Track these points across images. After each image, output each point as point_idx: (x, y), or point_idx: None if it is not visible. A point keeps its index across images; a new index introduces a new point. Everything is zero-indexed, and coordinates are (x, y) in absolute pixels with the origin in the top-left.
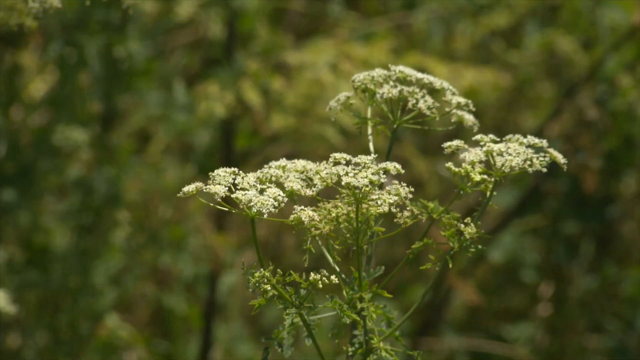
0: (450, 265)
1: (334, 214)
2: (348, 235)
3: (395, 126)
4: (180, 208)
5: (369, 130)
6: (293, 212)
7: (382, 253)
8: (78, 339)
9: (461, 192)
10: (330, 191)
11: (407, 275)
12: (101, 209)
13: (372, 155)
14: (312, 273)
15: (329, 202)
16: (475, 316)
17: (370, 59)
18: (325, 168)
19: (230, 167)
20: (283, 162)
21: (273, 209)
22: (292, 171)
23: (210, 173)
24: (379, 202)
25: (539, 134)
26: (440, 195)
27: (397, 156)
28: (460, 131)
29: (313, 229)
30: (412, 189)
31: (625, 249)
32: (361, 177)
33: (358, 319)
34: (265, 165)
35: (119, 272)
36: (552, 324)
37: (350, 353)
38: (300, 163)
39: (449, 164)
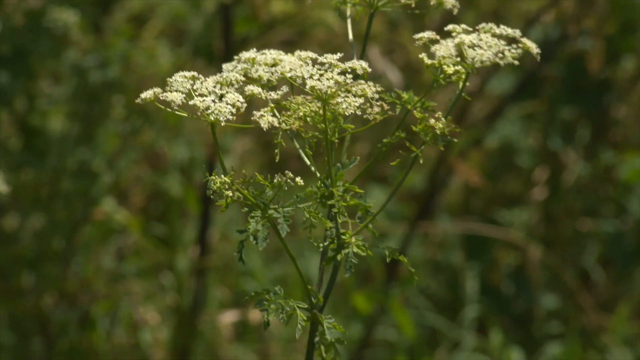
0: (421, 161)
1: (301, 113)
2: (317, 133)
3: (372, 10)
4: None
5: (348, 12)
6: (252, 117)
7: (375, 140)
8: (74, 221)
9: (435, 84)
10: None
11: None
12: (96, 93)
13: (350, 38)
14: (276, 175)
15: (298, 97)
16: (470, 200)
17: None
18: (291, 70)
19: (230, 52)
20: (252, 54)
21: (231, 117)
22: (262, 64)
23: (167, 79)
24: (344, 106)
25: (537, 18)
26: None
27: (393, 42)
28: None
29: (283, 125)
30: (381, 88)
31: (622, 134)
32: (326, 79)
33: (327, 222)
34: (235, 57)
35: (114, 155)
36: (547, 209)
37: (321, 249)
38: (270, 55)
39: (422, 55)
